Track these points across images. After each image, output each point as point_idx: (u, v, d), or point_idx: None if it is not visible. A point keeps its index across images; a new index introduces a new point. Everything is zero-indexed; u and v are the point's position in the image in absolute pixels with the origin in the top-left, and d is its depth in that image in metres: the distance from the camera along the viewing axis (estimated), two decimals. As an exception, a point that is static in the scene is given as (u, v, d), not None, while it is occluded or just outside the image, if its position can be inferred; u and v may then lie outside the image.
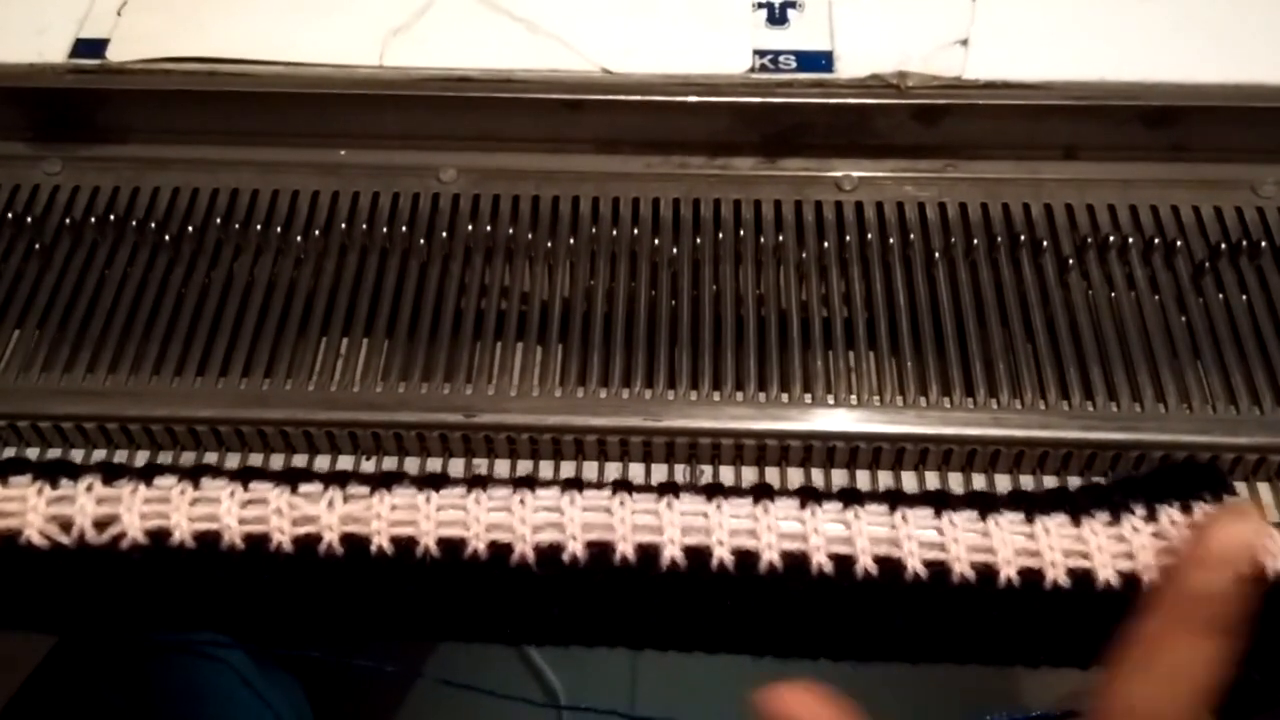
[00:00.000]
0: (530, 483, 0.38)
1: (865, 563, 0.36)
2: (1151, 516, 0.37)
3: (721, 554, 0.36)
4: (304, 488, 0.37)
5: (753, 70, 0.49)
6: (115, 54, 0.49)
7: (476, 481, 0.38)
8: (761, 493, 0.38)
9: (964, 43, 0.49)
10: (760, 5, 0.51)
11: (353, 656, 0.78)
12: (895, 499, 0.38)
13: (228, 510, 0.37)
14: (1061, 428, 0.40)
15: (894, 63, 0.48)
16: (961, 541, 0.37)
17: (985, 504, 0.38)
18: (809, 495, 0.38)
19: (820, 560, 0.36)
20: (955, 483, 0.41)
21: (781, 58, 0.49)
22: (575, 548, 0.36)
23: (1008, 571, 0.36)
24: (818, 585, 0.36)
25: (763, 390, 0.42)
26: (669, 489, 0.38)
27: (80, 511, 0.36)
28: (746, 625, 0.37)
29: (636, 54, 0.49)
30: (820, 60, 0.49)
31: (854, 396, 0.41)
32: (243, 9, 0.50)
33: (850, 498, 0.38)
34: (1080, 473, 0.41)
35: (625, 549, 0.36)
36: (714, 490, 0.38)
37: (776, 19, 0.50)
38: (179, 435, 0.41)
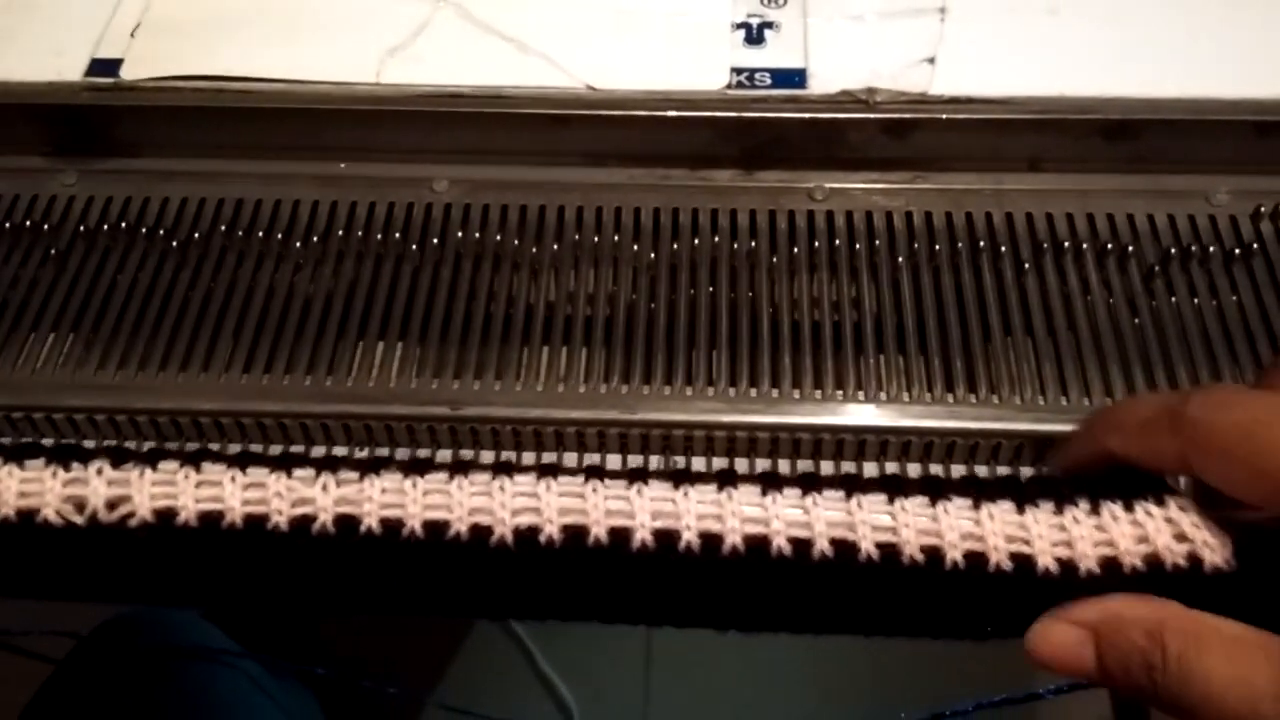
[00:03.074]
0: (509, 468, 0.40)
1: (822, 545, 0.38)
2: (1094, 510, 0.39)
3: (689, 538, 0.39)
4: (298, 472, 0.39)
5: (730, 87, 0.51)
6: (128, 73, 0.52)
7: (459, 468, 0.40)
8: (727, 479, 0.40)
9: (931, 60, 0.51)
10: (739, 26, 0.54)
11: (359, 678, 0.80)
12: (852, 485, 0.40)
13: (231, 494, 0.39)
14: (1014, 420, 0.43)
15: (864, 79, 0.51)
16: (912, 526, 0.38)
17: (935, 490, 0.40)
18: (770, 482, 0.40)
19: (780, 544, 0.39)
20: (912, 471, 0.43)
21: (757, 75, 0.52)
22: (551, 530, 0.39)
23: (954, 555, 0.38)
24: (778, 566, 0.38)
25: (733, 385, 0.44)
26: (639, 476, 0.39)
27: (93, 493, 0.39)
28: (714, 601, 0.39)
29: (620, 72, 0.52)
30: (794, 77, 0.51)
31: (819, 392, 0.44)
32: (248, 31, 0.53)
33: (809, 484, 0.40)
34: (1033, 463, 0.43)
35: (598, 532, 0.39)
36: (681, 477, 0.40)
37: (754, 39, 0.53)
38: (183, 426, 0.43)
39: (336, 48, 0.53)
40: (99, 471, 0.39)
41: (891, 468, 0.44)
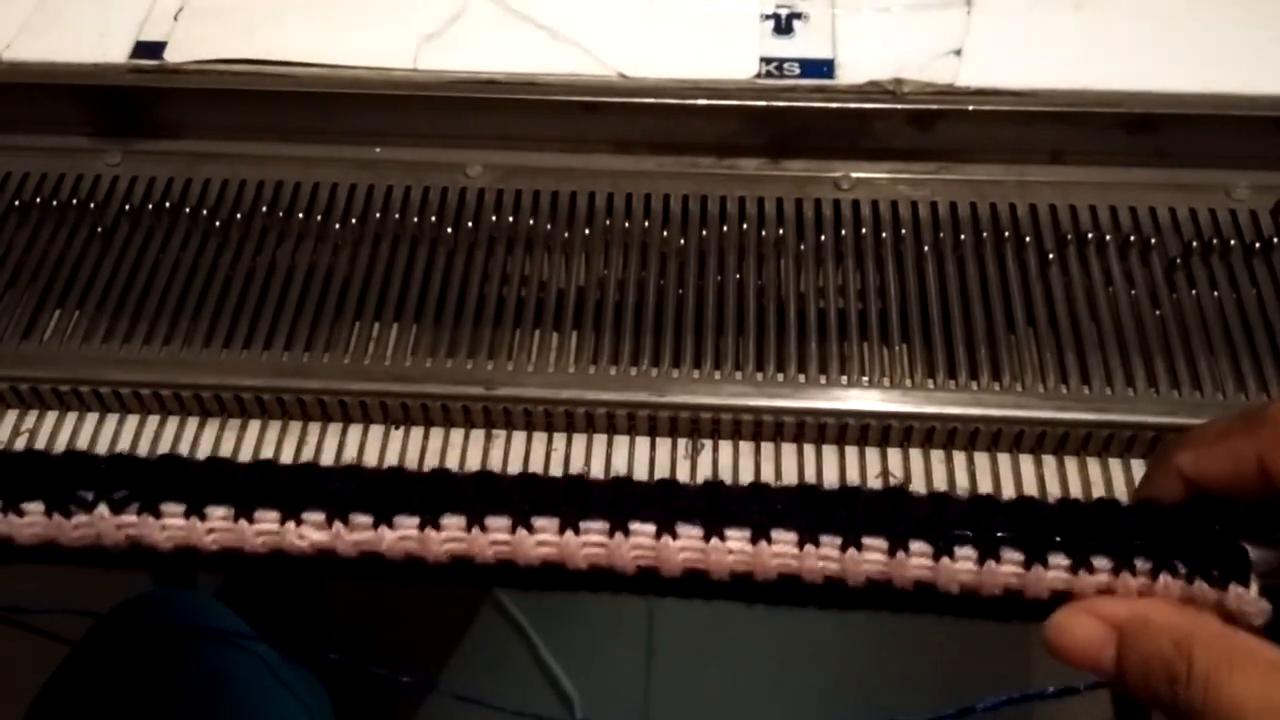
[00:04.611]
0: (528, 513, 0.38)
1: (857, 584, 0.37)
2: (1153, 576, 0.36)
3: (720, 576, 0.38)
4: (309, 516, 0.38)
5: (759, 76, 0.52)
6: (172, 55, 0.53)
7: (477, 513, 0.38)
8: (760, 531, 0.37)
9: (958, 53, 0.52)
10: (768, 16, 0.54)
11: (370, 664, 0.81)
12: (896, 534, 0.37)
13: (246, 539, 0.38)
14: (1036, 407, 0.44)
15: (892, 71, 0.52)
16: (954, 579, 0.37)
17: (985, 539, 0.37)
18: (808, 534, 0.37)
19: (814, 580, 0.37)
20: (936, 459, 0.44)
21: (786, 65, 0.52)
22: (577, 566, 0.38)
23: (991, 593, 0.37)
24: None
25: (760, 370, 0.45)
26: (667, 526, 0.37)
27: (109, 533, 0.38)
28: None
29: (651, 60, 0.53)
30: (823, 68, 0.52)
31: (845, 377, 0.45)
32: (288, 16, 0.54)
33: (850, 537, 0.37)
34: (1055, 451, 0.44)
35: (624, 569, 0.38)
36: (714, 521, 0.37)
37: (783, 29, 0.54)
38: (226, 402, 0.45)
39: (374, 34, 0.54)
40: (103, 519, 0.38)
41: (915, 454, 0.44)
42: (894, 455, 0.44)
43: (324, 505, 0.38)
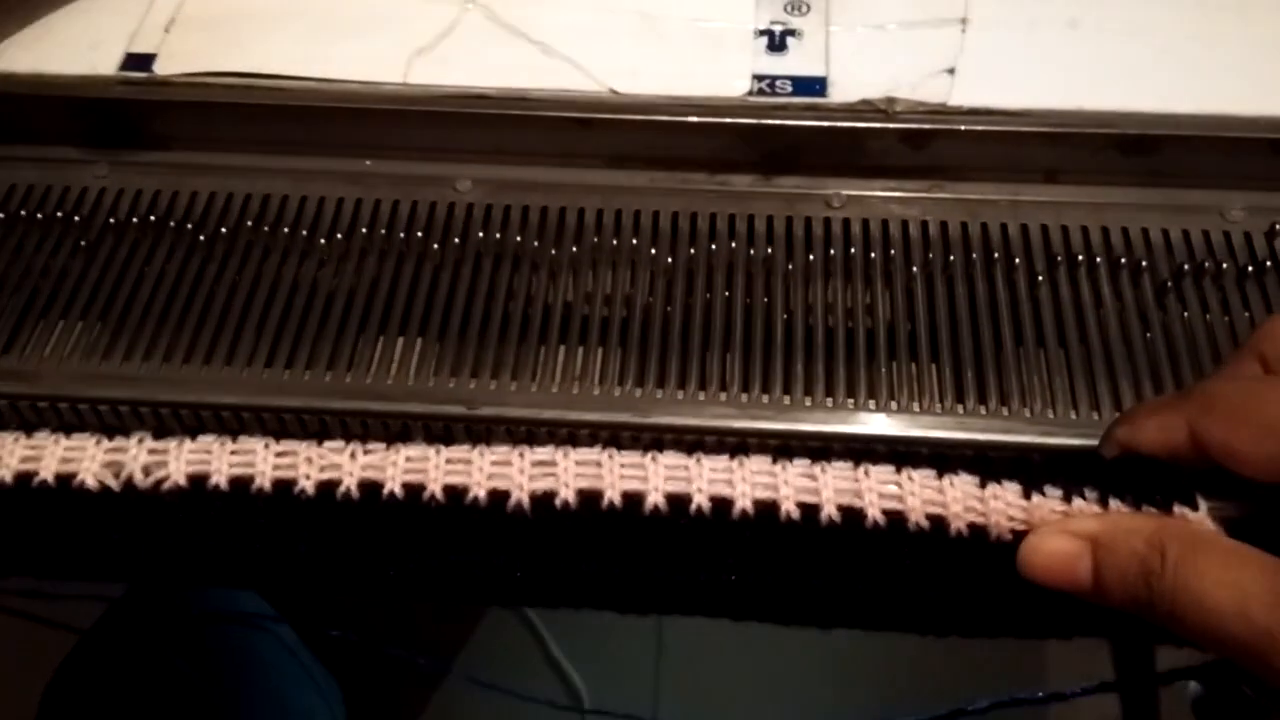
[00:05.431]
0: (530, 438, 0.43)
1: (830, 511, 0.41)
2: (1102, 503, 0.40)
3: (700, 501, 0.41)
4: (328, 443, 0.43)
5: (751, 93, 0.52)
6: (162, 68, 0.53)
7: (481, 439, 0.43)
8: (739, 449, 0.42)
9: (951, 71, 0.52)
10: (761, 32, 0.54)
11: (386, 647, 0.81)
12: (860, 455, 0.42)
13: (262, 459, 0.42)
14: (1022, 433, 0.43)
15: (884, 89, 0.51)
16: (919, 495, 0.41)
17: (943, 462, 0.42)
18: (781, 451, 0.42)
19: (789, 509, 0.41)
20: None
21: (778, 82, 0.52)
22: (567, 495, 0.41)
23: (958, 525, 0.40)
24: (786, 531, 0.41)
25: (745, 391, 0.45)
26: (653, 445, 0.42)
27: (131, 459, 0.42)
28: (725, 583, 0.41)
29: (643, 76, 0.52)
30: (815, 85, 0.52)
31: (830, 399, 0.44)
32: (279, 29, 0.54)
33: (819, 453, 0.42)
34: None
35: (612, 495, 0.41)
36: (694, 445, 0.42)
37: (776, 46, 0.54)
38: (205, 420, 0.44)
39: (366, 47, 0.54)
40: (140, 441, 0.43)
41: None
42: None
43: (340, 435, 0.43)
